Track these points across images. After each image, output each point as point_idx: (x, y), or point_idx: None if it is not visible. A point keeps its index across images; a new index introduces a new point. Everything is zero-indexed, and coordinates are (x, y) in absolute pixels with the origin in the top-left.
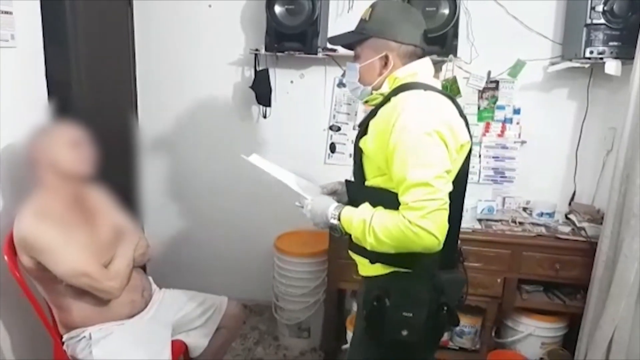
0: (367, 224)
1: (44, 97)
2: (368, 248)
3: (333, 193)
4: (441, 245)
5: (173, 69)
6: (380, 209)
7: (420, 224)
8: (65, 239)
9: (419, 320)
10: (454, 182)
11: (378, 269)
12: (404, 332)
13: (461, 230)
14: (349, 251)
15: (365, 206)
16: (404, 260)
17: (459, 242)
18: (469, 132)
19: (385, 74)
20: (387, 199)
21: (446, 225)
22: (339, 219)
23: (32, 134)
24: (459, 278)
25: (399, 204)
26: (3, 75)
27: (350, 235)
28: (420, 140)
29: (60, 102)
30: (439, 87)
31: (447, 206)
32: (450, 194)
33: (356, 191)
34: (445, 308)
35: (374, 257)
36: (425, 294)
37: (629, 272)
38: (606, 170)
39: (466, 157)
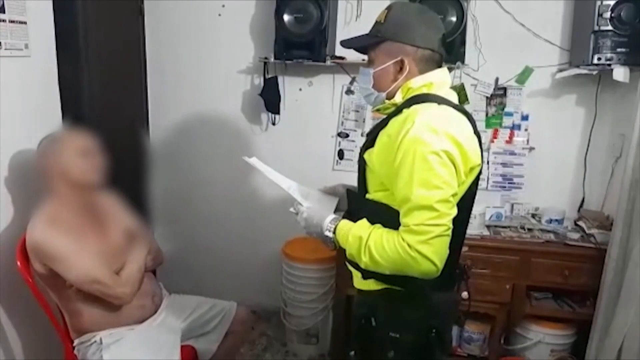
0: (364, 242)
1: (57, 106)
2: (362, 266)
3: (332, 192)
4: (439, 273)
5: (183, 77)
6: (378, 227)
7: (420, 249)
8: (77, 246)
9: (406, 341)
10: (458, 204)
11: (370, 285)
12: (390, 354)
13: (469, 236)
14: (345, 262)
15: (363, 222)
16: (397, 278)
17: (466, 262)
18: (482, 151)
19: (400, 79)
20: (387, 215)
21: (446, 252)
22: (334, 232)
23: (42, 142)
24: (453, 300)
25: (399, 221)
26: (17, 84)
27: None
28: (429, 159)
29: (73, 110)
30: (455, 100)
31: (449, 232)
32: (454, 216)
33: (357, 202)
34: (434, 331)
35: (368, 272)
36: (415, 315)
37: (638, 279)
38: (615, 177)
39: (474, 179)
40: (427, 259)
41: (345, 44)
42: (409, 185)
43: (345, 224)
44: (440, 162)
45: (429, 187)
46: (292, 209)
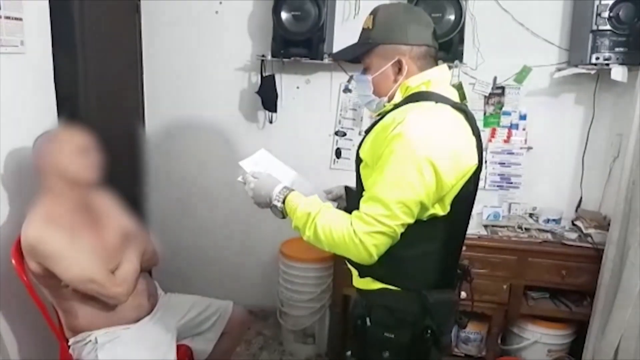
0: (311, 217)
1: (53, 103)
2: (304, 239)
3: (339, 198)
4: (372, 262)
5: (180, 74)
6: (329, 206)
7: (363, 238)
8: (73, 245)
9: (401, 342)
10: (455, 203)
11: (368, 284)
12: (385, 354)
13: (467, 236)
14: (345, 261)
15: (314, 199)
16: (394, 277)
17: (465, 261)
18: (481, 151)
19: (401, 80)
20: None
21: (385, 248)
22: (283, 202)
23: (38, 140)
24: (451, 300)
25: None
26: (13, 81)
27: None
28: (406, 160)
29: (68, 107)
30: (455, 97)
31: (395, 235)
32: (453, 213)
33: (355, 200)
34: (430, 331)
35: (364, 270)
36: (410, 316)
37: (635, 280)
38: (613, 177)
39: (472, 178)
40: (366, 249)
41: (338, 56)
42: (380, 176)
43: (295, 196)
44: (417, 168)
45: (394, 185)
46: (239, 179)
